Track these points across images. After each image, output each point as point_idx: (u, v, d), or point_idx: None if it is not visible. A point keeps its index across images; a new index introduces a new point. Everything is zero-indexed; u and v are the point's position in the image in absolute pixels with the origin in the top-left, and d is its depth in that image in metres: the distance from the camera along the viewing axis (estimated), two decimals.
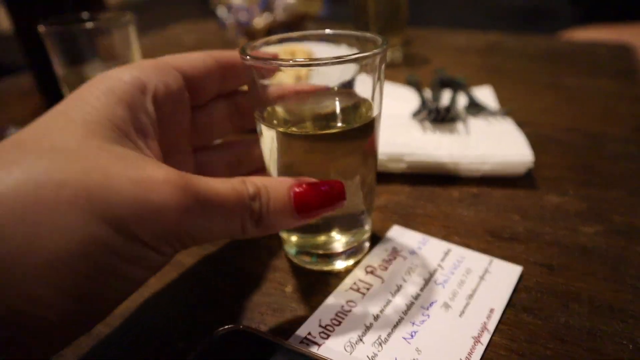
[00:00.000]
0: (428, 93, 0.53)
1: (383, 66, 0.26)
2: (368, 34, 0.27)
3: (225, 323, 0.26)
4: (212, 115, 0.29)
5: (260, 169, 0.30)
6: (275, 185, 0.22)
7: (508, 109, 0.47)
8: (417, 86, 0.54)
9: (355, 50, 0.27)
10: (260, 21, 0.73)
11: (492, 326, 0.25)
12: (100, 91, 0.20)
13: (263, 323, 0.26)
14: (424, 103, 0.48)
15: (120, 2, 3.16)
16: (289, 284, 0.29)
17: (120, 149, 0.19)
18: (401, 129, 0.44)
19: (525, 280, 0.29)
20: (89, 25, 0.40)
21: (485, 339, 0.25)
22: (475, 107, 0.48)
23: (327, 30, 0.28)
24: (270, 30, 0.74)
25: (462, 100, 0.50)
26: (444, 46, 0.83)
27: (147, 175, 0.17)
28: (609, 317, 0.26)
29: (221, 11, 0.77)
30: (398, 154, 0.39)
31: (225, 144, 0.31)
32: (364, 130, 0.27)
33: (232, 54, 0.28)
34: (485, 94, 0.53)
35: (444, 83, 0.57)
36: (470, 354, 0.24)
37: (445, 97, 0.51)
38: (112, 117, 0.20)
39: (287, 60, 0.23)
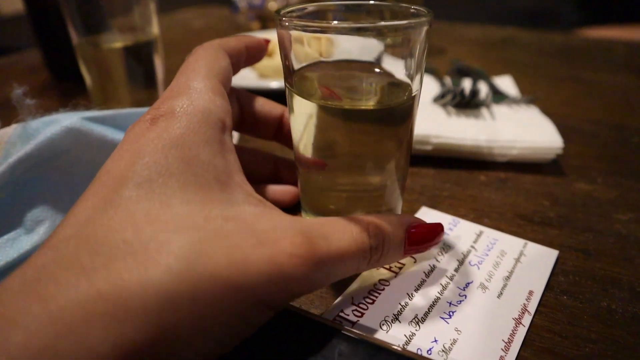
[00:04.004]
0: (448, 80, 0.51)
1: (426, 43, 0.24)
2: (413, 7, 0.26)
3: None
4: None
5: (265, 180, 0.32)
6: (394, 231, 0.23)
7: (532, 97, 0.46)
8: (436, 73, 0.53)
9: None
10: (274, 5, 0.71)
11: (532, 308, 0.24)
12: (202, 141, 0.20)
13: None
14: (446, 88, 0.47)
15: None
16: None
17: (236, 211, 0.19)
18: (424, 113, 0.43)
19: (562, 264, 0.28)
20: None
21: (527, 320, 0.24)
22: (498, 95, 0.47)
23: (371, 1, 0.27)
24: None
25: (483, 89, 0.49)
26: (458, 38, 0.82)
27: (278, 252, 0.18)
28: None
29: None
30: (424, 136, 0.38)
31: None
32: (403, 109, 0.25)
33: (237, 44, 0.27)
34: (506, 83, 0.52)
35: (462, 72, 0.56)
36: (512, 335, 0.23)
37: (465, 85, 0.50)
38: (214, 171, 0.20)
39: (327, 24, 0.22)
